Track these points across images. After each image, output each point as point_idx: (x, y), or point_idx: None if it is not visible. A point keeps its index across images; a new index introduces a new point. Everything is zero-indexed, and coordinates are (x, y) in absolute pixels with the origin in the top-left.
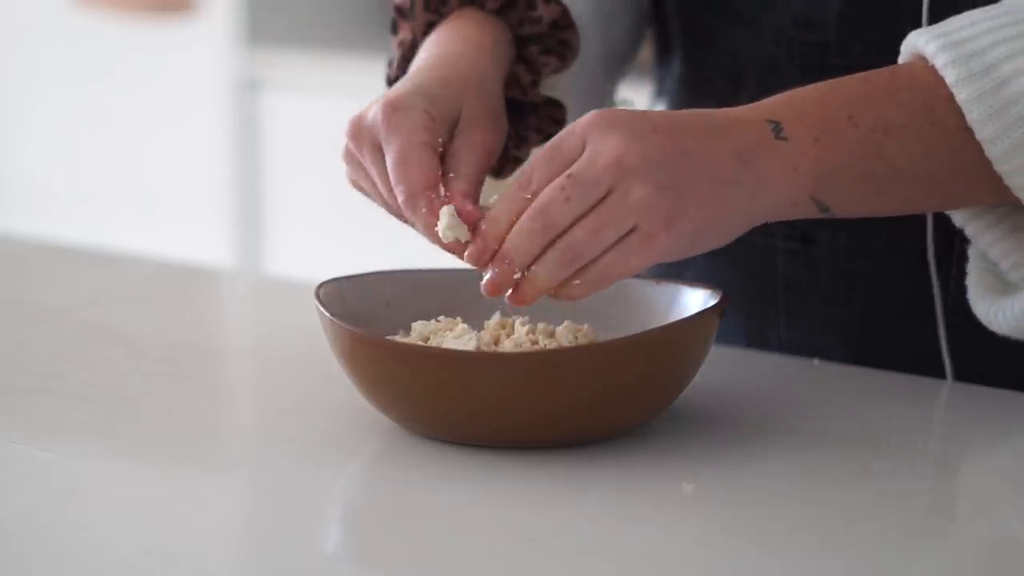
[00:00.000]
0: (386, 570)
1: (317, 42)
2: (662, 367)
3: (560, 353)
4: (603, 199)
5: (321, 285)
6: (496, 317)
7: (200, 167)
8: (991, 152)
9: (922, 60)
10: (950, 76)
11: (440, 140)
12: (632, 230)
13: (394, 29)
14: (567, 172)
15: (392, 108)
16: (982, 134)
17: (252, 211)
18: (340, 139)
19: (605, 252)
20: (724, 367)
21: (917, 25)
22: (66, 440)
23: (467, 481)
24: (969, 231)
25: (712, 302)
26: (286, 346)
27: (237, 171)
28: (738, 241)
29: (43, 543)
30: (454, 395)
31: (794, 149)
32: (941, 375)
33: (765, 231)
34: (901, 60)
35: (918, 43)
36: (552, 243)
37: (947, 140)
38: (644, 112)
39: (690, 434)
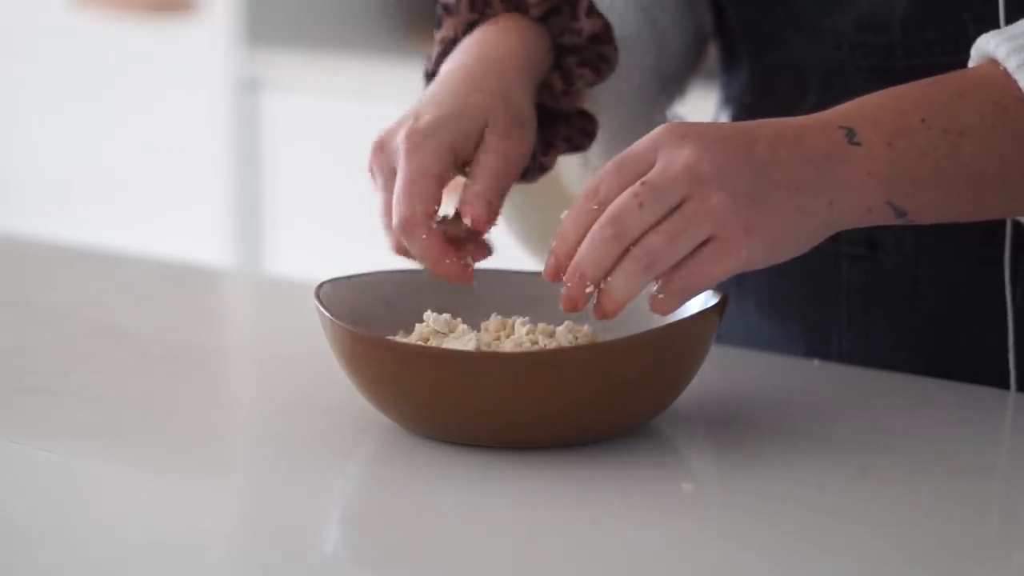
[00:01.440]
0: (386, 570)
1: (317, 42)
2: (662, 367)
3: (560, 353)
4: (676, 208)
5: (321, 285)
6: (495, 317)
7: (200, 167)
8: None
9: (994, 63)
10: (1023, 79)
11: (453, 170)
12: (708, 240)
13: (438, 24)
14: (640, 180)
15: (415, 140)
16: None
17: (252, 211)
18: (340, 139)
19: (683, 261)
20: (724, 367)
21: (984, 24)
22: (66, 440)
23: (467, 481)
24: None
25: (712, 302)
26: (286, 346)
27: (237, 171)
28: None
29: (43, 543)
30: (454, 395)
31: (868, 154)
32: (1005, 383)
33: (831, 237)
34: (971, 64)
35: (989, 46)
36: (625, 253)
37: (1021, 142)
38: (713, 123)
39: (690, 434)
